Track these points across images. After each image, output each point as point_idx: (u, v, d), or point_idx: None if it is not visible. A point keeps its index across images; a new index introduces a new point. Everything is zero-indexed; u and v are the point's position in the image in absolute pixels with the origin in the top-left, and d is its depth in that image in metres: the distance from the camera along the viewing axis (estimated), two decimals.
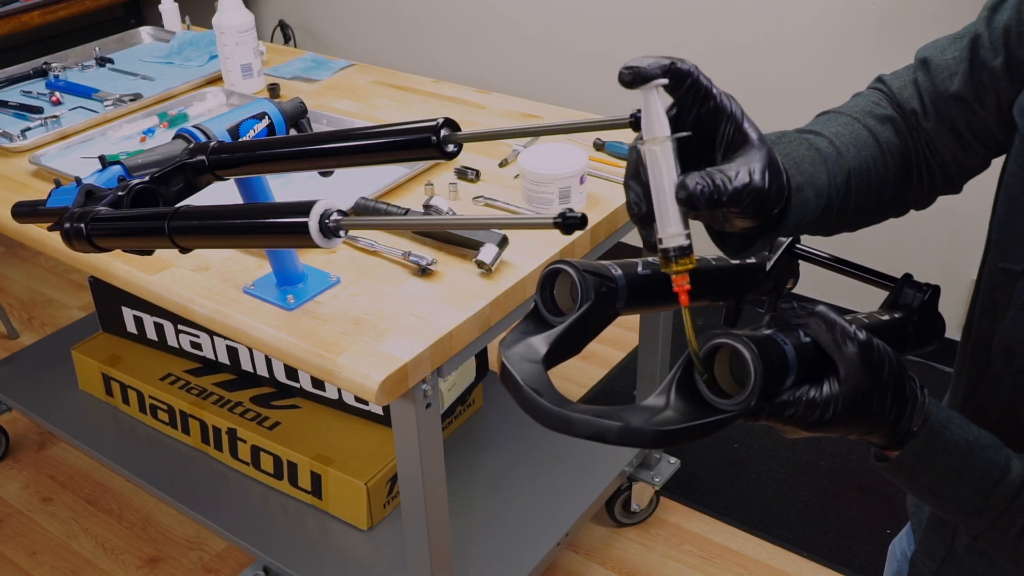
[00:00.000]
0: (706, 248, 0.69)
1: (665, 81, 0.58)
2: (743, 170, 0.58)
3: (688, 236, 0.58)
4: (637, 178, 0.59)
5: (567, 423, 0.54)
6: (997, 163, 0.73)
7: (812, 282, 2.51)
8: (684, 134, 0.59)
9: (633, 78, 0.57)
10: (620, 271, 0.62)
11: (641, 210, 0.59)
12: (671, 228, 0.58)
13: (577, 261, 0.61)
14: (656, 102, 0.58)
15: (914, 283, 0.75)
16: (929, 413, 0.61)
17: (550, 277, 0.62)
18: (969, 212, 2.07)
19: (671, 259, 0.58)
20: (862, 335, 0.57)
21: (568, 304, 0.62)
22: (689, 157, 0.60)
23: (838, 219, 0.72)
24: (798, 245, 0.76)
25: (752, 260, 0.74)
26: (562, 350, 0.60)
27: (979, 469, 0.61)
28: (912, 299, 0.74)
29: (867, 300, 2.53)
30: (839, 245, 0.81)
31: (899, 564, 0.96)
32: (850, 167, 0.71)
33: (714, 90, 0.60)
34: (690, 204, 0.56)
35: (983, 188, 0.73)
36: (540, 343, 0.59)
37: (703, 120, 0.61)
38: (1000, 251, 0.69)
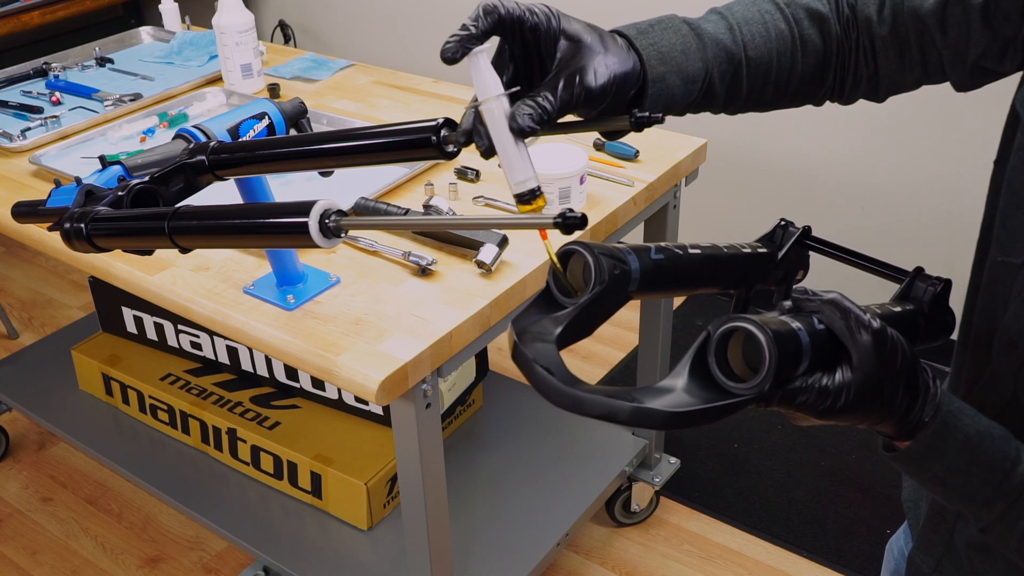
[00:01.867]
0: (712, 237, 0.69)
1: (483, 47, 0.65)
2: (566, 80, 0.66)
3: (535, 179, 0.67)
4: (474, 127, 0.68)
5: (579, 403, 0.53)
6: (988, 156, 0.73)
7: (819, 276, 2.51)
8: (514, 89, 0.67)
9: (451, 59, 0.64)
10: (633, 255, 0.62)
11: (484, 146, 0.68)
12: (518, 176, 0.67)
13: (591, 242, 0.60)
14: (481, 65, 0.66)
15: (925, 276, 0.74)
16: (941, 404, 0.60)
17: (563, 258, 0.61)
18: (971, 212, 2.07)
19: (525, 201, 0.68)
20: (876, 323, 0.57)
21: (580, 286, 0.61)
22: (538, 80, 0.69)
23: (729, 101, 0.76)
24: (809, 236, 0.76)
25: (763, 250, 0.73)
26: (574, 332, 0.59)
27: (990, 460, 0.61)
28: (923, 293, 0.74)
29: (873, 297, 2.53)
30: (844, 239, 0.80)
31: (896, 562, 0.95)
32: (747, 57, 0.74)
33: (525, 15, 0.66)
34: (523, 134, 0.65)
35: (986, 187, 0.73)
36: (552, 323, 0.59)
37: (532, 44, 0.68)
38: (1000, 244, 0.69)
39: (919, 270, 0.74)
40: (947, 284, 0.73)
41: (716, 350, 0.55)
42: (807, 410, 0.56)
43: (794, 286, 0.60)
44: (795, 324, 0.56)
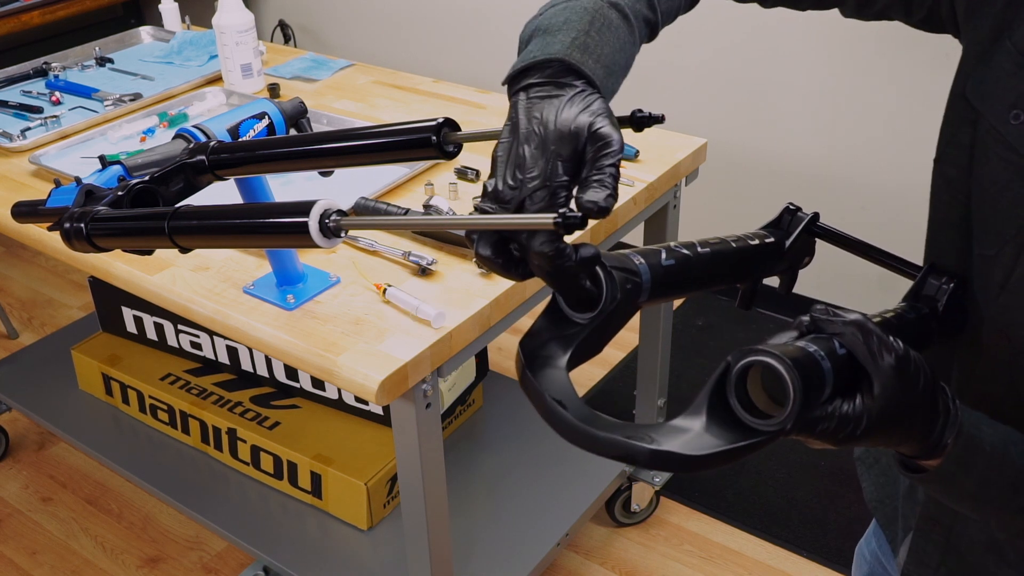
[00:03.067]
0: (718, 231, 0.69)
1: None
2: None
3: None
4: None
5: (593, 442, 0.51)
6: (928, 150, 0.73)
7: (811, 281, 2.51)
8: None
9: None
10: (644, 263, 0.59)
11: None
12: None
13: (602, 254, 0.58)
14: None
15: (938, 274, 0.71)
16: (962, 423, 0.59)
17: None
18: None
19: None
20: (899, 347, 0.55)
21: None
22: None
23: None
24: (818, 224, 0.74)
25: (770, 240, 0.71)
26: (585, 351, 0.57)
27: (1018, 466, 0.60)
28: (936, 291, 0.71)
29: (870, 293, 2.51)
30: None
31: (871, 566, 0.94)
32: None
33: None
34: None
35: None
36: (561, 346, 0.56)
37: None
38: (977, 239, 0.69)
39: (932, 266, 0.72)
40: (960, 281, 0.71)
41: (737, 385, 0.53)
42: (826, 438, 0.55)
43: (815, 307, 0.58)
44: (816, 351, 0.54)
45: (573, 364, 0.56)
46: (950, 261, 0.72)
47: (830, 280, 2.46)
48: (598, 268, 0.57)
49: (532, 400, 0.54)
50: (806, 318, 0.58)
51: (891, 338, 0.55)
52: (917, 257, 0.77)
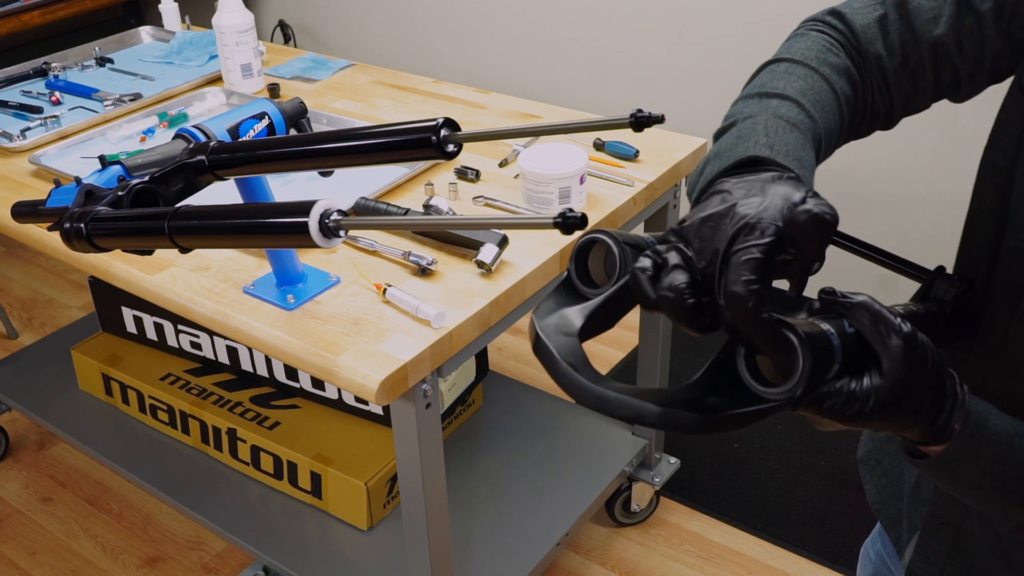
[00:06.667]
0: None
1: None
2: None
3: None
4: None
5: (604, 402, 0.52)
6: (969, 138, 0.72)
7: (810, 280, 2.51)
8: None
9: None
10: (655, 242, 0.59)
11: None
12: None
13: (615, 231, 0.58)
14: None
15: (947, 277, 0.71)
16: (970, 409, 0.59)
17: (585, 247, 0.59)
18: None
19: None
20: (907, 327, 0.56)
21: (602, 276, 0.60)
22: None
23: None
24: None
25: None
26: (597, 323, 0.58)
27: (1023, 457, 0.60)
28: (944, 293, 0.71)
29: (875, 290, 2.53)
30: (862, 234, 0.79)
31: (875, 566, 0.94)
32: (820, 132, 0.70)
33: None
34: None
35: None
36: (575, 315, 0.57)
37: None
38: (1014, 231, 0.68)
39: (940, 269, 0.71)
40: (969, 285, 0.71)
41: (746, 354, 0.54)
42: (834, 415, 0.55)
43: (824, 288, 0.58)
44: (826, 327, 0.55)
45: (586, 334, 0.56)
46: (985, 252, 0.71)
47: (829, 280, 2.46)
48: (611, 242, 0.58)
49: (544, 364, 0.54)
50: (816, 302, 0.58)
51: (898, 319, 0.56)
52: (922, 257, 0.77)
